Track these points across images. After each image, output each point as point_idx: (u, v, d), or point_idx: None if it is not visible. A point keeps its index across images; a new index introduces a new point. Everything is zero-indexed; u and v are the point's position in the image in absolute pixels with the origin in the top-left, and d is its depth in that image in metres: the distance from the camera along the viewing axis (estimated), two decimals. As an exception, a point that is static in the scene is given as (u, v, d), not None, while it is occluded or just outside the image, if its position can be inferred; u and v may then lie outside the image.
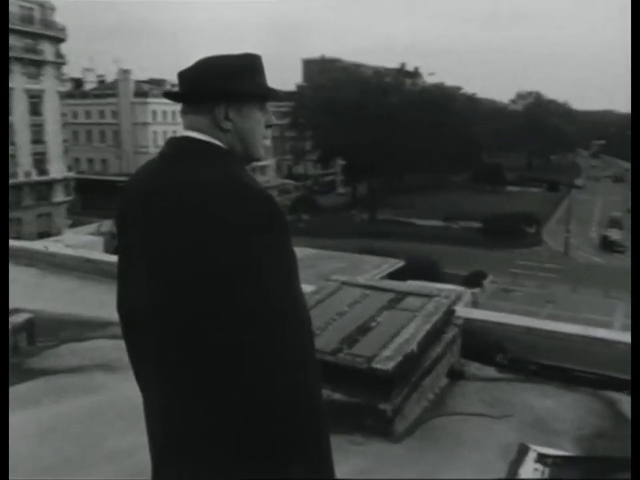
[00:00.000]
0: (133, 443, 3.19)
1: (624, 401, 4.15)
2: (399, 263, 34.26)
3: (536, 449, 2.19)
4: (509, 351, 4.69)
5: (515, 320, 5.00)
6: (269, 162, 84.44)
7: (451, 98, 69.31)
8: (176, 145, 1.61)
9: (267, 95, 1.66)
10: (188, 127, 1.60)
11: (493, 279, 41.98)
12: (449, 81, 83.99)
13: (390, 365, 3.50)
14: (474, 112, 78.92)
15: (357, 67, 77.79)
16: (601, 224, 64.64)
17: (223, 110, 1.57)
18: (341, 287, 4.79)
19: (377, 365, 3.50)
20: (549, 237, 59.08)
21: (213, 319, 1.43)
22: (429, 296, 4.58)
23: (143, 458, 2.96)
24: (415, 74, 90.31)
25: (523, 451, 2.17)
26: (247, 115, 1.60)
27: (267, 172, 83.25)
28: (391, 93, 64.57)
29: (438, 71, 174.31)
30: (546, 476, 1.96)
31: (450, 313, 4.50)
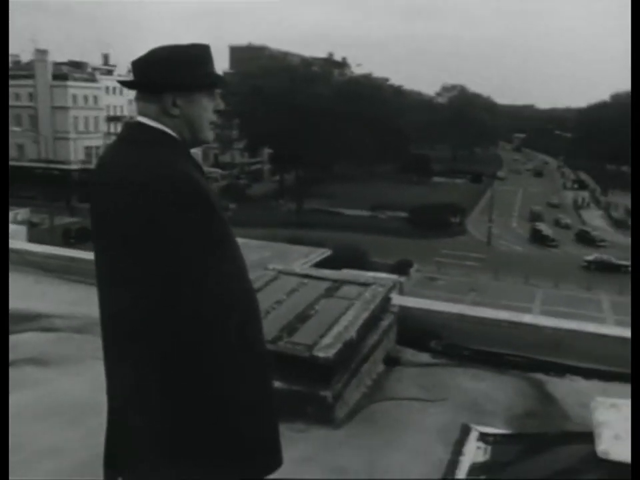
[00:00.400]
0: (69, 439, 3.10)
1: (550, 382, 4.36)
2: (326, 252, 34.58)
3: (477, 428, 2.26)
4: (442, 337, 4.82)
5: (448, 307, 5.14)
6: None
7: (378, 89, 70.16)
8: (127, 130, 1.78)
9: (214, 82, 1.78)
10: (140, 112, 1.74)
11: (418, 268, 43.04)
12: (377, 73, 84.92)
13: (331, 353, 3.52)
14: (401, 103, 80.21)
15: (285, 55, 77.50)
16: (521, 215, 67.28)
17: (170, 97, 1.70)
18: (278, 275, 4.78)
19: (317, 353, 3.52)
20: (473, 226, 61.04)
21: (140, 292, 1.58)
22: (365, 284, 4.63)
23: (80, 454, 2.89)
24: (343, 64, 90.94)
25: (465, 431, 2.24)
26: (194, 101, 1.73)
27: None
28: (319, 83, 64.75)
29: (365, 62, 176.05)
30: (488, 453, 2.03)
31: (386, 300, 4.58)
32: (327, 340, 3.67)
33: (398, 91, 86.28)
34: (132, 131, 1.76)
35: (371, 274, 6.80)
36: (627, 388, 4.36)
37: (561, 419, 3.85)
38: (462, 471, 1.89)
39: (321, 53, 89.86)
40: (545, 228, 58.26)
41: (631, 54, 2.50)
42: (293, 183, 67.73)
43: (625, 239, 56.89)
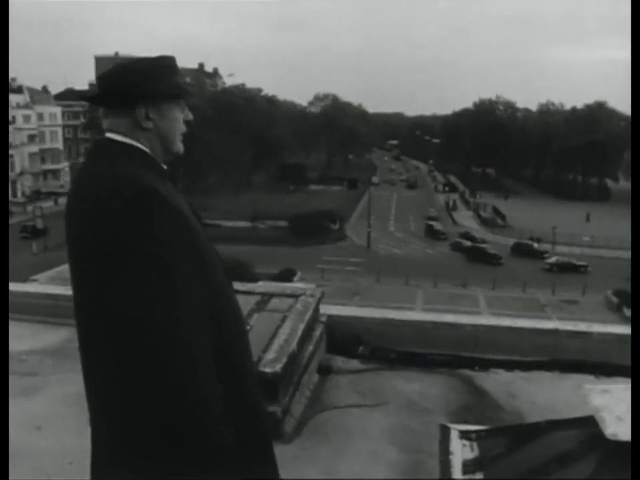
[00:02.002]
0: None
1: (477, 377, 4.58)
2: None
3: (456, 427, 2.34)
4: (368, 342, 4.91)
5: (371, 312, 5.25)
6: (62, 165, 78.94)
7: (252, 99, 70.23)
8: (96, 147, 1.71)
9: (183, 93, 1.78)
10: (109, 129, 1.67)
11: (301, 276, 43.41)
12: (249, 83, 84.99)
13: (278, 367, 3.49)
14: (275, 113, 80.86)
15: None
16: (397, 218, 69.91)
17: (143, 110, 1.65)
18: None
19: (264, 369, 3.47)
20: (352, 232, 62.54)
21: (93, 306, 1.54)
22: (294, 296, 4.63)
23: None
24: (214, 75, 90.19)
25: (445, 431, 2.31)
26: (166, 113, 1.70)
27: (61, 176, 77.79)
28: (191, 93, 63.77)
29: (237, 72, 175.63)
30: (476, 449, 2.11)
31: (317, 310, 4.60)
32: (270, 355, 3.63)
33: (271, 101, 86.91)
34: (100, 148, 1.69)
35: (289, 285, 6.80)
36: (545, 375, 4.73)
37: (495, 409, 4.07)
38: (456, 469, 1.94)
39: (191, 64, 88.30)
40: (435, 224, 65.21)
41: (631, 54, 2.53)
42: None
43: (494, 237, 61.19)
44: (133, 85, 1.64)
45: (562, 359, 4.75)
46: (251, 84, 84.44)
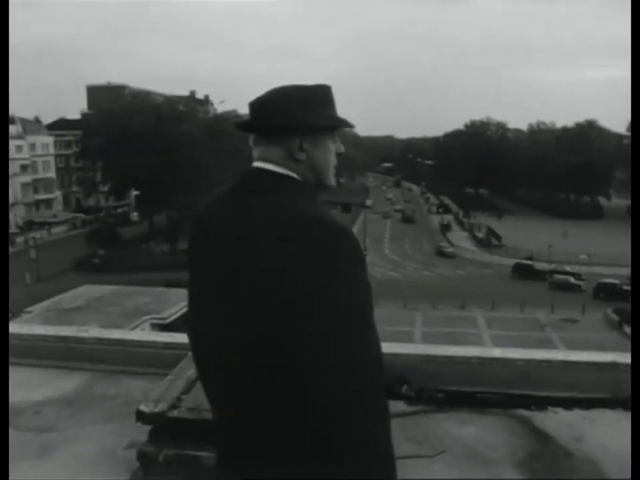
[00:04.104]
0: None
1: (536, 417, 4.20)
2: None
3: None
4: (412, 381, 4.53)
5: (414, 349, 4.88)
6: (55, 195, 78.56)
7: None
8: (252, 178, 1.61)
9: (340, 124, 1.68)
10: (260, 157, 1.60)
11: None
12: (240, 110, 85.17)
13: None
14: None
15: (147, 93, 75.59)
16: (392, 241, 69.74)
17: (297, 141, 1.58)
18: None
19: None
20: (347, 255, 62.09)
21: (281, 354, 1.46)
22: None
23: None
24: (206, 101, 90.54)
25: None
26: (321, 145, 1.62)
27: (53, 205, 77.40)
28: (186, 121, 63.77)
29: (228, 99, 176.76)
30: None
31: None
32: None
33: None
34: (256, 178, 1.59)
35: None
36: (608, 414, 4.37)
37: (564, 456, 3.69)
38: None
39: (182, 91, 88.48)
40: (445, 246, 66.45)
41: (631, 54, 2.51)
42: (164, 224, 65.73)
43: (490, 257, 61.13)
44: (291, 114, 1.57)
45: (623, 395, 4.39)
46: (242, 110, 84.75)
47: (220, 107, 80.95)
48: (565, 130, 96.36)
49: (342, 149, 1.68)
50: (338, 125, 1.67)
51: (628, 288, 45.37)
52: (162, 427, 3.19)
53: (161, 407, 3.18)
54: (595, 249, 58.43)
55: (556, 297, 44.26)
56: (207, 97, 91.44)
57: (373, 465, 1.49)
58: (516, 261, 55.83)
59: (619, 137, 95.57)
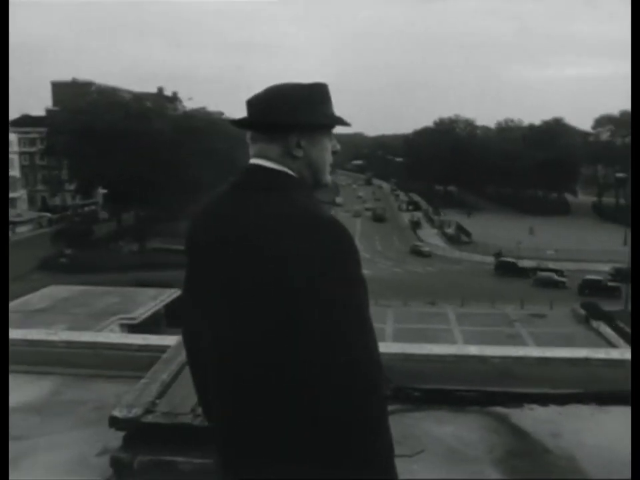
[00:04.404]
0: None
1: (512, 414, 4.21)
2: (175, 293, 33.14)
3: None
4: (389, 380, 4.50)
5: (390, 347, 4.85)
6: (19, 193, 76.97)
7: (214, 123, 69.70)
8: (249, 175, 1.63)
9: (337, 122, 1.70)
10: (257, 154, 1.62)
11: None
12: (209, 107, 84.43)
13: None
14: (237, 137, 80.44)
15: (114, 90, 74.46)
16: (361, 239, 69.91)
17: (295, 138, 1.60)
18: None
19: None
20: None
21: (280, 353, 1.47)
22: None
23: None
24: (174, 99, 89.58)
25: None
26: (317, 143, 1.64)
27: (17, 204, 75.82)
28: (155, 118, 62.99)
29: (195, 96, 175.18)
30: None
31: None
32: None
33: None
34: (252, 176, 1.61)
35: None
36: (583, 409, 4.39)
37: (543, 452, 3.70)
38: None
39: (150, 88, 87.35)
40: (421, 245, 66.11)
41: (631, 54, 2.49)
42: (133, 223, 64.90)
43: (460, 254, 61.68)
44: (288, 111, 1.59)
45: (596, 390, 4.43)
46: (212, 108, 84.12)
47: (188, 104, 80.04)
48: (532, 128, 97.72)
49: (337, 147, 1.71)
50: (334, 123, 1.70)
51: (614, 284, 46.01)
52: (136, 433, 3.10)
53: (135, 412, 3.10)
54: (563, 245, 59.40)
55: (541, 294, 44.58)
56: (175, 94, 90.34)
57: (374, 464, 1.48)
58: (502, 258, 55.20)
59: (585, 134, 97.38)
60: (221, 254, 1.56)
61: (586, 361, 4.53)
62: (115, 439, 3.29)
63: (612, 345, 30.87)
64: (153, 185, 57.53)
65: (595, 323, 34.38)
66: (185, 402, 3.20)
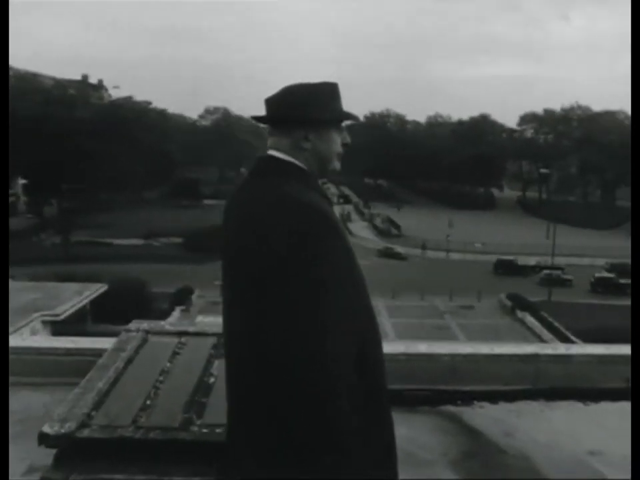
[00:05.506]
0: None
1: (463, 413, 4.13)
2: (102, 287, 32.03)
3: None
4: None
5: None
6: None
7: (141, 113, 67.79)
8: (260, 164, 1.85)
9: (343, 118, 1.88)
10: (271, 146, 1.84)
11: (200, 294, 42.14)
12: (138, 96, 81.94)
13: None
14: (166, 127, 78.60)
15: (34, 76, 71.10)
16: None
17: (303, 132, 1.80)
18: (147, 337, 3.90)
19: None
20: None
21: (256, 315, 1.65)
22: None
23: None
24: (100, 87, 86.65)
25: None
26: (325, 136, 1.83)
27: None
28: (78, 106, 60.60)
29: (122, 85, 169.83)
30: None
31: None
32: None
33: (162, 114, 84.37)
34: (263, 165, 1.83)
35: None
36: (533, 406, 4.36)
37: (498, 452, 3.63)
38: None
39: (74, 75, 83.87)
40: (394, 247, 62.95)
41: (631, 54, 2.56)
42: (55, 214, 62.34)
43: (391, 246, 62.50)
44: (296, 109, 1.78)
45: (545, 386, 4.43)
46: (139, 97, 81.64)
47: (115, 93, 77.41)
48: (460, 123, 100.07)
49: (348, 140, 1.88)
50: (339, 118, 1.86)
51: (624, 281, 43.17)
52: (70, 450, 2.79)
53: (69, 426, 2.78)
54: (489, 238, 61.16)
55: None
56: (100, 81, 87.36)
57: (339, 463, 1.60)
58: (500, 257, 53.53)
59: (511, 131, 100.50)
60: (233, 237, 1.77)
61: (535, 357, 4.51)
62: (45, 455, 2.97)
63: (536, 334, 32.12)
64: (76, 175, 55.38)
65: (520, 314, 35.59)
66: (124, 413, 2.92)
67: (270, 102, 1.84)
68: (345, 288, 1.65)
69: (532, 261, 52.25)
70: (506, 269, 51.52)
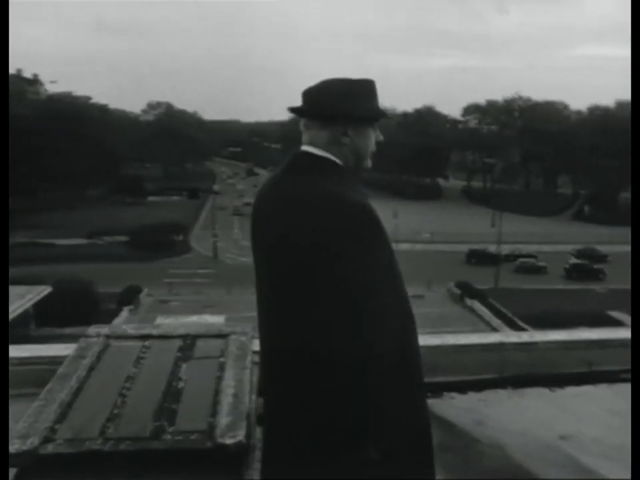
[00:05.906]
0: None
1: (433, 405, 4.10)
2: (46, 289, 31.05)
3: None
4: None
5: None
6: None
7: (82, 108, 65.93)
8: (295, 159, 1.85)
9: (381, 116, 1.92)
10: (308, 141, 1.84)
11: (148, 292, 41.46)
12: (76, 91, 79.61)
13: (241, 435, 2.74)
14: (107, 123, 76.68)
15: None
16: (242, 227, 69.22)
17: (342, 128, 1.81)
18: (108, 342, 3.74)
19: (224, 440, 2.71)
20: (197, 243, 60.98)
21: (312, 321, 1.65)
22: (221, 336, 3.87)
23: None
24: (35, 81, 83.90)
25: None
26: (362, 132, 1.85)
27: None
28: (12, 101, 58.45)
29: (59, 79, 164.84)
30: None
31: (254, 353, 3.88)
32: (224, 419, 2.86)
33: (103, 110, 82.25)
34: (299, 160, 1.83)
35: (194, 318, 5.95)
36: (500, 394, 4.39)
37: (472, 442, 3.65)
38: None
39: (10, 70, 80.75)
40: None
41: (631, 54, 2.53)
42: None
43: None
44: (338, 104, 1.78)
45: (511, 374, 4.47)
46: (78, 92, 79.30)
47: (51, 88, 74.99)
48: (405, 115, 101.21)
49: (380, 138, 1.90)
50: (378, 116, 1.90)
51: (598, 267, 46.45)
52: (33, 467, 2.63)
53: (31, 442, 2.62)
54: (437, 228, 62.05)
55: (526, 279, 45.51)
56: (35, 76, 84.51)
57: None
58: (472, 247, 54.63)
59: (455, 122, 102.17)
60: (265, 233, 1.77)
61: (500, 346, 4.55)
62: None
63: (485, 321, 32.85)
64: (13, 174, 53.48)
65: (469, 302, 36.29)
66: (91, 424, 2.77)
67: (309, 95, 1.83)
68: (388, 282, 1.69)
69: (505, 250, 52.82)
70: (479, 258, 52.09)
